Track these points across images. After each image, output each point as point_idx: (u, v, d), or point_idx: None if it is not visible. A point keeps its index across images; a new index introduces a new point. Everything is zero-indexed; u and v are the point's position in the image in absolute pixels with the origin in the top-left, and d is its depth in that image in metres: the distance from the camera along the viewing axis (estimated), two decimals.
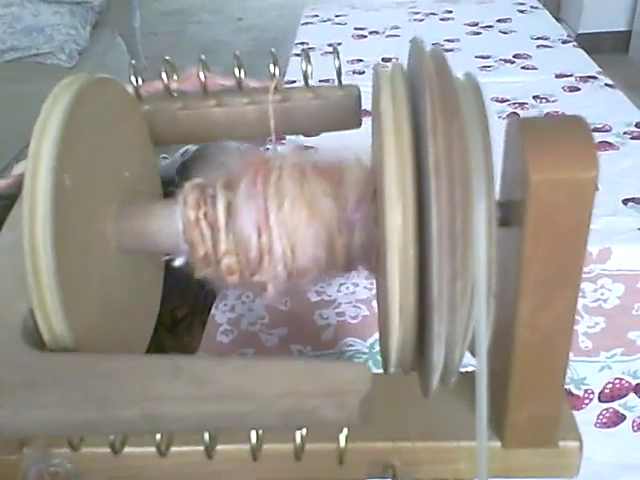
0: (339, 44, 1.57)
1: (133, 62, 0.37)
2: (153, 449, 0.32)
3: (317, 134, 0.43)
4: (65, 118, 0.27)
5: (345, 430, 0.26)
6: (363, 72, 1.40)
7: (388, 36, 1.61)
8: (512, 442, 0.35)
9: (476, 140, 0.24)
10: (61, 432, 0.31)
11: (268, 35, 3.16)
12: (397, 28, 1.65)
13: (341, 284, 0.88)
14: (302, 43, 1.60)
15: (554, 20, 1.64)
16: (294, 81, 1.33)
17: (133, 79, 0.37)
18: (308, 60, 0.40)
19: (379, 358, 0.90)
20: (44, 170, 0.26)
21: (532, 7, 1.72)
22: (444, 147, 0.23)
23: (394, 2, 1.96)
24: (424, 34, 1.58)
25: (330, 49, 1.55)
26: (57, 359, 0.27)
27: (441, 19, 1.70)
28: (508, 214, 0.32)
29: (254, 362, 0.25)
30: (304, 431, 0.26)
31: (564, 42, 1.47)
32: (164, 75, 0.38)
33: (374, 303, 0.94)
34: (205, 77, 0.38)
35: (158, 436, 0.32)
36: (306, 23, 1.75)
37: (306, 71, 0.39)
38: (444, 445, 0.35)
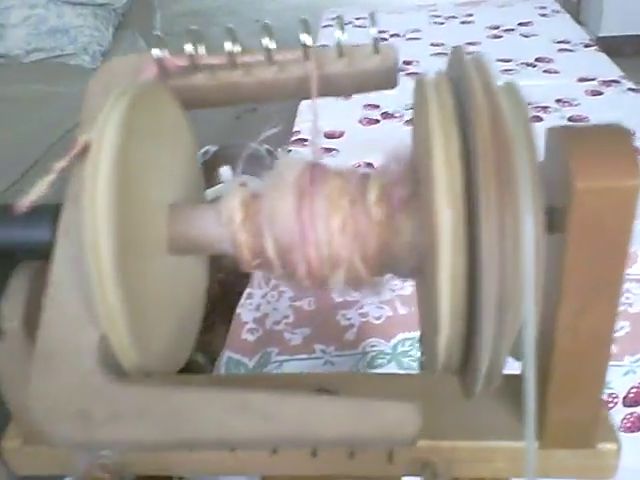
0: None
1: (157, 33, 0.36)
2: None
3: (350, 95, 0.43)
4: (124, 121, 0.28)
5: None
6: None
7: (409, 39, 1.62)
8: (550, 443, 0.35)
9: (524, 162, 0.26)
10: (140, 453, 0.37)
11: (287, 36, 3.17)
12: (418, 31, 1.65)
13: None
14: (323, 46, 1.61)
15: (576, 24, 1.64)
16: None
17: (157, 51, 0.35)
18: (342, 28, 0.39)
19: (402, 359, 0.90)
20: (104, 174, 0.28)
21: (553, 10, 1.71)
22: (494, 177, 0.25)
23: (415, 5, 1.97)
24: (445, 37, 1.58)
25: None
26: (138, 391, 0.29)
27: (462, 22, 1.70)
28: (550, 221, 0.33)
29: (317, 401, 0.28)
30: None
31: (586, 46, 1.47)
32: (190, 46, 0.36)
33: (397, 304, 0.95)
34: (232, 50, 0.37)
35: None
36: (326, 26, 1.76)
37: (339, 39, 0.38)
38: (483, 444, 0.36)
